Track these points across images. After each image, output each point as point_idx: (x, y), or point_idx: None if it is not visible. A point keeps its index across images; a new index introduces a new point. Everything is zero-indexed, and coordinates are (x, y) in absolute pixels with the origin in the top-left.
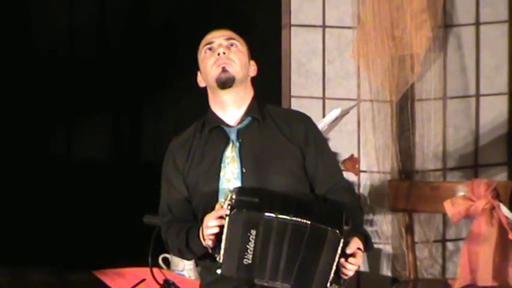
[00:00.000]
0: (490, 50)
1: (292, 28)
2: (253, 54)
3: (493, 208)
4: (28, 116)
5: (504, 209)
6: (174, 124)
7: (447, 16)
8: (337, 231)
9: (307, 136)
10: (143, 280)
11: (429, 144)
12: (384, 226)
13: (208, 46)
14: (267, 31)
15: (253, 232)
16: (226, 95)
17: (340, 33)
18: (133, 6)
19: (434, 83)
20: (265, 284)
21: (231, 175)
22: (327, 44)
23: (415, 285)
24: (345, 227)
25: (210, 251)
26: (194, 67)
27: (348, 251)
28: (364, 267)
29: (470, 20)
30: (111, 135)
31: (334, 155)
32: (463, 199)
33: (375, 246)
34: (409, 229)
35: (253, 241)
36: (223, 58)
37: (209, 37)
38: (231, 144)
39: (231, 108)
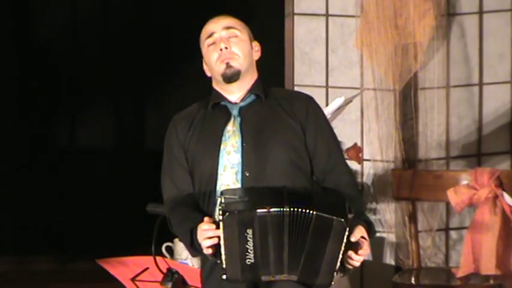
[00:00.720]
0: (493, 39)
1: (295, 17)
2: None
3: (496, 197)
4: (31, 104)
5: (507, 198)
6: (177, 112)
7: (450, 5)
8: (342, 220)
9: (307, 113)
10: (146, 269)
11: (432, 133)
12: (387, 215)
13: (210, 40)
14: (270, 20)
15: (250, 231)
16: (232, 86)
17: (344, 22)
18: None
19: (437, 72)
20: (272, 279)
21: (231, 148)
22: (330, 32)
23: (418, 274)
24: (349, 215)
25: (210, 258)
26: (197, 55)
27: (352, 239)
28: (367, 256)
29: (473, 8)
30: (114, 123)
31: (335, 135)
32: (467, 188)
33: (378, 235)
34: (413, 218)
35: (251, 240)
36: (226, 53)
37: (209, 28)
38: (232, 119)
39: (235, 90)
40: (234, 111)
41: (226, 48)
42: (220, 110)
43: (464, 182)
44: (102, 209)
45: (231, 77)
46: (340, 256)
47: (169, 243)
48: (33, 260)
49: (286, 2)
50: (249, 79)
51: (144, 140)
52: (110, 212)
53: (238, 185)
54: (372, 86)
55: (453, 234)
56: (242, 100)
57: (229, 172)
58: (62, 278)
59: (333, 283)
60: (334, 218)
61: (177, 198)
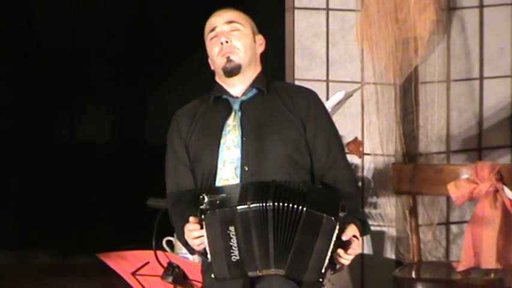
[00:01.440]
0: (493, 33)
1: (295, 11)
2: None
3: (496, 191)
4: (32, 98)
5: (508, 192)
6: (178, 106)
7: None
8: (333, 218)
9: (308, 108)
10: (147, 263)
11: (433, 127)
12: (387, 209)
13: (212, 34)
14: (271, 14)
15: (232, 228)
16: (234, 80)
17: (344, 16)
18: None
19: (438, 66)
20: (260, 274)
21: (231, 143)
22: (330, 26)
23: (419, 268)
24: (341, 214)
25: (201, 257)
26: (198, 49)
27: (344, 237)
28: (368, 250)
29: (474, 2)
30: (115, 117)
31: (336, 130)
32: (467, 182)
33: (379, 228)
34: (413, 212)
35: (234, 237)
36: (226, 47)
37: (211, 21)
38: (233, 113)
39: (237, 83)
40: (235, 106)
41: (227, 42)
42: (221, 103)
43: (465, 176)
44: (103, 203)
45: (232, 71)
46: (329, 254)
47: (169, 238)
48: (33, 254)
49: None
50: (251, 72)
51: (145, 134)
52: (110, 206)
53: (237, 180)
54: (373, 80)
55: (454, 228)
56: (243, 94)
57: (229, 167)
58: (62, 273)
59: (325, 281)
60: (324, 215)
61: (177, 196)
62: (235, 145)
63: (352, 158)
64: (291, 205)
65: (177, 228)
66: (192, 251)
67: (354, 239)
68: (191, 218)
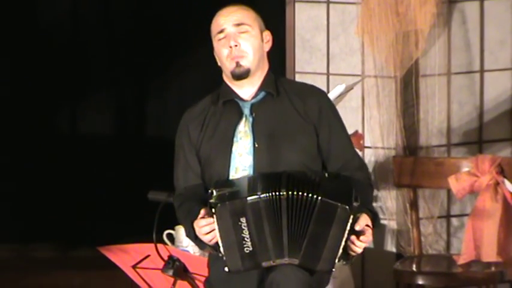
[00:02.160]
0: (494, 26)
1: (296, 4)
2: None
3: (497, 184)
4: (32, 91)
5: (508, 185)
6: (178, 100)
7: None
8: (347, 207)
9: (320, 112)
10: (148, 256)
11: (433, 120)
12: (388, 202)
13: (220, 35)
14: (271, 7)
15: (243, 220)
16: (242, 82)
17: (345, 9)
18: None
19: (438, 59)
20: (274, 264)
21: (243, 150)
22: (331, 19)
23: (420, 261)
24: (355, 203)
25: (212, 252)
26: (199, 43)
27: (357, 227)
28: (368, 243)
29: None
30: (116, 111)
31: (346, 130)
32: (468, 175)
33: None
34: (414, 205)
35: (246, 228)
36: (235, 51)
37: (219, 22)
38: (244, 119)
39: (246, 85)
40: (246, 110)
41: (236, 46)
42: (231, 106)
43: (466, 169)
44: (103, 196)
45: (241, 76)
46: (343, 243)
47: (170, 231)
48: (34, 247)
49: None
50: (260, 73)
51: (145, 127)
52: (111, 199)
53: None
54: (373, 73)
55: (454, 221)
56: (253, 97)
57: (241, 174)
58: (62, 266)
59: (334, 270)
60: (339, 204)
61: (184, 197)
62: (247, 152)
63: None
64: (305, 194)
65: (186, 225)
66: (202, 246)
67: (367, 228)
68: (202, 211)
